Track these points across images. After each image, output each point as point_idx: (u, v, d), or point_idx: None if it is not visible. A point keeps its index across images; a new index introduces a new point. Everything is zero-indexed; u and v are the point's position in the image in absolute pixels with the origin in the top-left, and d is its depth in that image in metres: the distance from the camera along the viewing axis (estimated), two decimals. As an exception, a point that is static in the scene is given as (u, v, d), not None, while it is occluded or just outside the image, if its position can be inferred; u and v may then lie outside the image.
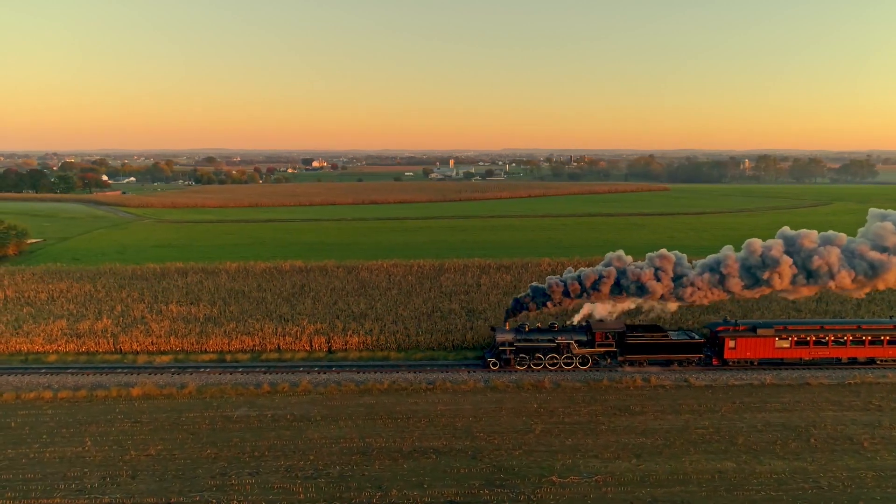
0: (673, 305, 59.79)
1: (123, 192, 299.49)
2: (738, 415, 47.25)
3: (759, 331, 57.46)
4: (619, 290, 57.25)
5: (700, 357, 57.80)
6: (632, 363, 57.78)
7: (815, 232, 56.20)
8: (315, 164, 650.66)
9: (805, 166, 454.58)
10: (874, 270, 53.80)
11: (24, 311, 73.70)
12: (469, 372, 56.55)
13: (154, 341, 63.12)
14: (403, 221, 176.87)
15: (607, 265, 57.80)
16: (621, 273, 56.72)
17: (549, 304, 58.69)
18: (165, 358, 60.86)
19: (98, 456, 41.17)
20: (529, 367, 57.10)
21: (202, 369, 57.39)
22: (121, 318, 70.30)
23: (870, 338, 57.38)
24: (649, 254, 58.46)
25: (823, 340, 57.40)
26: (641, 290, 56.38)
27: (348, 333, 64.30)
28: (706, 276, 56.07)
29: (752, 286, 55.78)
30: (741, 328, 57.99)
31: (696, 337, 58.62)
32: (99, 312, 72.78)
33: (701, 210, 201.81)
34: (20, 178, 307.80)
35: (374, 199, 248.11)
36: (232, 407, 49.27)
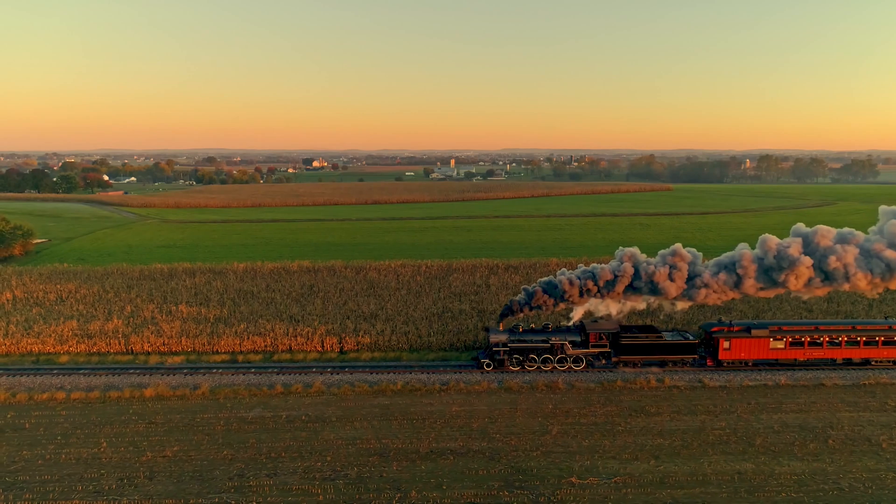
0: (683, 305, 59.36)
1: (125, 192, 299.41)
2: (754, 415, 47.12)
3: (754, 331, 56.95)
4: (632, 289, 56.88)
5: (694, 358, 57.30)
6: (626, 364, 57.47)
7: (832, 230, 55.49)
8: (315, 163, 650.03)
9: (806, 166, 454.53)
10: (891, 270, 53.25)
11: (34, 311, 73.62)
12: (482, 373, 56.31)
13: (165, 342, 63.04)
14: (408, 222, 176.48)
15: (620, 263, 57.31)
16: (635, 272, 56.26)
17: (561, 303, 57.91)
18: (177, 359, 60.74)
19: (114, 457, 41.09)
20: (523, 368, 56.78)
21: (214, 370, 57.25)
22: (131, 319, 70.23)
23: (865, 338, 56.81)
24: (662, 251, 57.97)
25: (818, 341, 56.89)
26: (654, 290, 56.02)
27: (360, 334, 64.21)
28: (721, 276, 55.50)
29: (767, 287, 55.38)
30: (735, 329, 57.45)
31: (691, 337, 57.99)
32: (109, 313, 72.70)
33: (705, 210, 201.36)
34: (23, 178, 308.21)
35: (377, 199, 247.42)
36: (246, 408, 49.17)
